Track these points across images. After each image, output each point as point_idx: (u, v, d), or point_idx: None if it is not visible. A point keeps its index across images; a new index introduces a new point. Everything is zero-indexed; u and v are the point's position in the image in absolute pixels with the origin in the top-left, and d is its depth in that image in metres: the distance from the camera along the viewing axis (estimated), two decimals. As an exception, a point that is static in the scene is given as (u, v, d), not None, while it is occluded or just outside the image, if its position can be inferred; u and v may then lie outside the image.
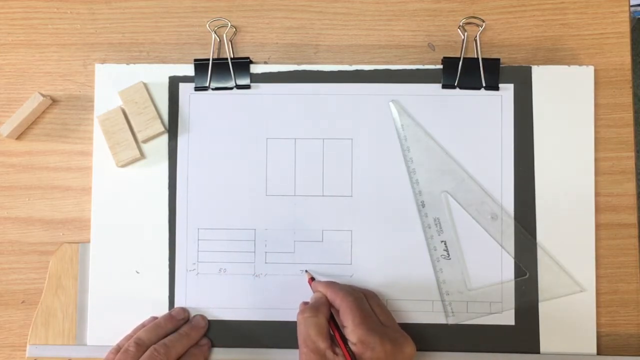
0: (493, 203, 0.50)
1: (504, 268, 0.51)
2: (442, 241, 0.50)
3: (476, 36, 0.52)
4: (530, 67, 0.52)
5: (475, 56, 0.52)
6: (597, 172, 0.51)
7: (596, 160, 0.51)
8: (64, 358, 0.51)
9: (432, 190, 0.51)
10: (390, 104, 0.51)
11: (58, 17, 0.54)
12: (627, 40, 0.53)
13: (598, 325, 0.50)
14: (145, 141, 0.52)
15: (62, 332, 0.51)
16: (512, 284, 0.50)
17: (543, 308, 0.50)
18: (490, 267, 0.51)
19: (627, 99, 0.52)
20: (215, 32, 0.53)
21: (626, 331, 0.51)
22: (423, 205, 0.51)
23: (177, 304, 0.51)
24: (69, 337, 0.51)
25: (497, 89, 0.52)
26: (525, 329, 0.50)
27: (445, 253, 0.50)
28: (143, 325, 0.49)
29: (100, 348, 0.50)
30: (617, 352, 0.50)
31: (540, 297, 0.50)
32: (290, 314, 0.51)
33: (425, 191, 0.51)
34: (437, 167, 0.51)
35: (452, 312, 0.50)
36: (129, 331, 0.50)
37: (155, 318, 0.50)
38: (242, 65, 0.52)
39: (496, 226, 0.50)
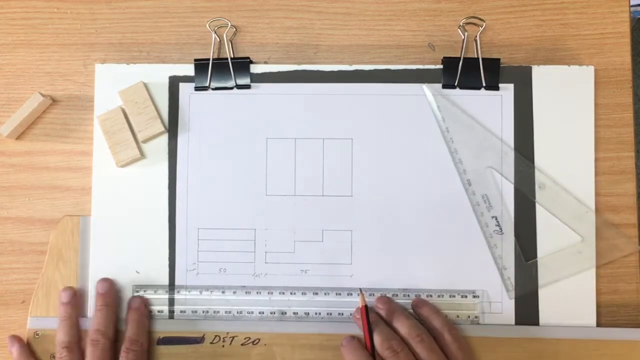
0: (539, 173, 0.51)
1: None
2: (492, 217, 0.51)
3: (476, 36, 0.52)
4: (530, 67, 0.52)
5: (476, 56, 0.52)
6: (597, 172, 0.51)
7: (596, 160, 0.51)
8: None
9: (477, 167, 0.51)
10: (424, 87, 0.51)
11: (58, 17, 0.54)
12: (627, 40, 0.53)
13: (598, 325, 0.50)
14: (145, 141, 0.52)
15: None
16: (567, 251, 0.50)
17: (543, 310, 0.50)
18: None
19: (627, 99, 0.52)
20: (215, 32, 0.53)
21: (626, 331, 0.51)
22: (469, 184, 0.51)
23: (177, 304, 0.51)
24: None
25: (497, 89, 0.52)
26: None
27: (497, 228, 0.50)
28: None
29: None
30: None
31: (597, 262, 0.50)
32: (289, 314, 0.51)
33: (469, 169, 0.51)
34: (479, 143, 0.51)
35: (512, 286, 0.50)
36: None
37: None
38: (242, 65, 0.52)
39: (545, 195, 0.50)
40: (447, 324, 0.48)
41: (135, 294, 0.51)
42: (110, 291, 0.50)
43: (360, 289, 0.49)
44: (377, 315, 0.49)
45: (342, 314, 0.51)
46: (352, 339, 0.48)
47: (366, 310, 0.47)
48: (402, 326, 0.48)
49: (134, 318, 0.49)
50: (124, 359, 0.47)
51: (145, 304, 0.50)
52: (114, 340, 0.48)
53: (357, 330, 0.49)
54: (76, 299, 0.50)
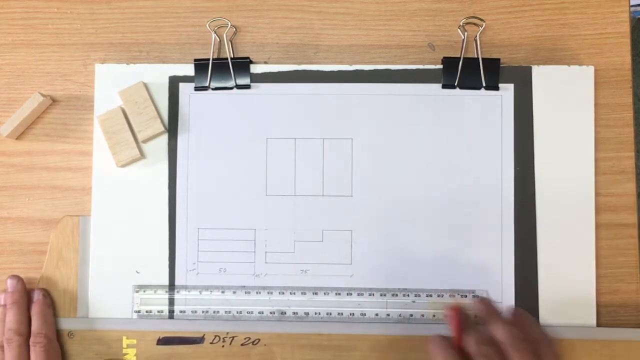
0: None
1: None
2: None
3: (476, 36, 0.52)
4: (530, 67, 0.52)
5: (475, 56, 0.52)
6: (597, 172, 0.51)
7: (596, 160, 0.51)
8: (65, 330, 0.51)
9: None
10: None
11: (58, 17, 0.54)
12: (627, 40, 0.53)
13: (598, 325, 0.50)
14: (145, 141, 0.52)
15: (63, 304, 0.51)
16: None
17: (543, 310, 0.50)
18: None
19: (627, 99, 0.52)
20: (215, 32, 0.53)
21: (626, 331, 0.51)
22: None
23: (177, 304, 0.51)
24: (69, 309, 0.51)
25: (497, 89, 0.52)
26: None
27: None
28: None
29: (102, 320, 0.51)
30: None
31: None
32: (289, 314, 0.51)
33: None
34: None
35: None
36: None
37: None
38: (242, 65, 0.52)
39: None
40: (546, 337, 0.45)
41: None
42: (19, 288, 0.50)
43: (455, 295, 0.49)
44: (470, 317, 0.48)
45: (342, 314, 0.51)
46: (442, 338, 0.45)
47: (460, 312, 0.45)
48: (500, 332, 0.43)
49: (35, 311, 0.49)
50: (33, 353, 0.48)
51: (45, 294, 0.50)
52: (29, 336, 0.49)
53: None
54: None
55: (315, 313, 0.51)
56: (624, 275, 0.51)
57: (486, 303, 0.47)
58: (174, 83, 0.53)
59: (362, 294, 0.51)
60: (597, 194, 0.51)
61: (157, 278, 0.51)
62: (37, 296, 0.50)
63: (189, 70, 0.53)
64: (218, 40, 0.53)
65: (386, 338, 0.50)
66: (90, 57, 0.54)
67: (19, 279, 0.51)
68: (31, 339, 0.48)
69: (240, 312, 0.51)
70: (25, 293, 0.50)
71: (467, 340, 0.44)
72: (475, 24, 0.53)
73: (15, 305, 0.49)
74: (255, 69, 0.53)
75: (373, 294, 0.51)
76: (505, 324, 0.44)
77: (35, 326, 0.49)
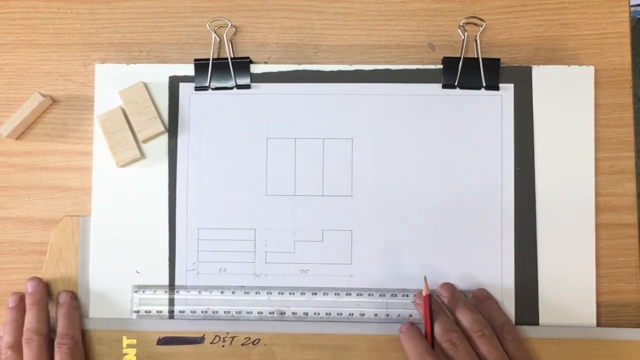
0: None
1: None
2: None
3: (476, 36, 0.52)
4: (531, 67, 0.52)
5: (476, 56, 0.52)
6: (597, 172, 0.51)
7: (596, 160, 0.51)
8: None
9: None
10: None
11: (58, 17, 0.54)
12: (627, 40, 0.53)
13: (598, 325, 0.50)
14: (145, 141, 0.52)
15: None
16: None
17: (543, 310, 0.50)
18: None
19: (627, 99, 0.52)
20: (215, 32, 0.53)
21: (626, 331, 0.51)
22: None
23: (177, 304, 0.51)
24: None
25: (497, 89, 0.52)
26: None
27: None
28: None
29: (102, 320, 0.51)
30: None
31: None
32: (288, 314, 0.51)
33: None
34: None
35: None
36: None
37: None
38: (242, 65, 0.52)
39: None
40: (508, 322, 0.48)
41: (135, 291, 0.51)
42: (39, 289, 0.50)
43: (425, 277, 0.49)
44: (439, 304, 0.49)
45: (341, 314, 0.51)
46: (411, 326, 0.48)
47: (430, 299, 0.47)
48: (465, 318, 0.47)
49: (62, 312, 0.49)
50: (58, 354, 0.47)
51: (72, 296, 0.50)
52: (49, 337, 0.49)
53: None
54: (22, 304, 0.50)
55: (315, 313, 0.51)
56: (624, 275, 0.51)
57: (449, 289, 0.49)
58: (174, 83, 0.53)
59: (362, 294, 0.51)
60: (597, 194, 0.51)
61: (157, 278, 0.51)
62: (64, 298, 0.50)
63: (189, 70, 0.53)
64: (218, 40, 0.54)
65: (386, 338, 0.50)
66: (90, 57, 0.54)
67: (39, 280, 0.51)
68: (57, 340, 0.48)
69: (240, 312, 0.51)
70: (46, 294, 0.50)
71: (435, 327, 0.46)
72: (475, 24, 0.53)
73: (35, 305, 0.49)
74: (255, 69, 0.53)
75: (372, 294, 0.51)
76: (469, 310, 0.47)
77: (62, 327, 0.49)
